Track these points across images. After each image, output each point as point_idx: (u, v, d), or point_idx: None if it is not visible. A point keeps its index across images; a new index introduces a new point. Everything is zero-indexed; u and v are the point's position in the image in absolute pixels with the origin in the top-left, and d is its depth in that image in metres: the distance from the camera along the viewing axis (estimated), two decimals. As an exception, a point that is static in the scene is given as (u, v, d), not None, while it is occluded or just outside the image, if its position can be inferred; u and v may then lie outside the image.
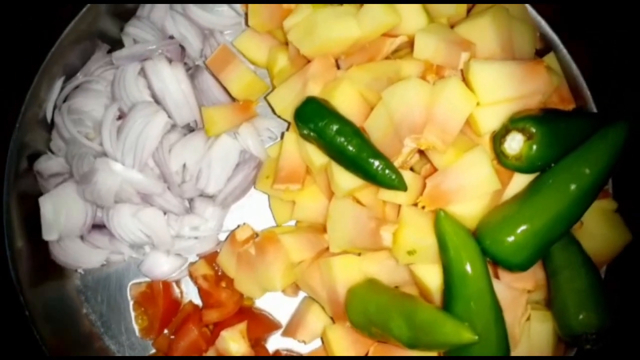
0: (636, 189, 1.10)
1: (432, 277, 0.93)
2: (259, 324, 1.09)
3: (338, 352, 1.01)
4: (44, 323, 1.05)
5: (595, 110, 1.10)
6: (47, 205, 1.05)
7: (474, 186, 0.90)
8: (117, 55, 1.10)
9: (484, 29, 0.95)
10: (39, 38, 1.19)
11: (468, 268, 0.87)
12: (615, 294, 0.99)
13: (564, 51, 1.11)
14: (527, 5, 1.10)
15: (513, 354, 0.93)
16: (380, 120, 0.95)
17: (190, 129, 1.15)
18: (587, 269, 0.94)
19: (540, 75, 0.91)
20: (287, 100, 1.07)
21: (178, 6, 1.17)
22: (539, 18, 1.11)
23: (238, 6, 1.18)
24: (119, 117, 1.10)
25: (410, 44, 1.01)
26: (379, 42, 1.02)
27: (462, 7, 1.07)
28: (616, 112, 1.11)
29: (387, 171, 0.93)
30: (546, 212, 0.86)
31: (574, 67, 1.10)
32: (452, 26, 1.05)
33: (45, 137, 1.11)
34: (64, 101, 1.10)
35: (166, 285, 1.11)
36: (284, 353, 1.11)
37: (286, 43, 1.09)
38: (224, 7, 1.20)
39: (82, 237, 1.10)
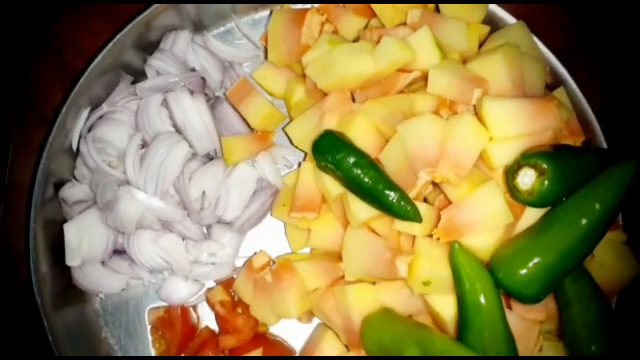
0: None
1: (446, 308, 0.95)
2: (274, 351, 1.11)
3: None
4: (65, 347, 1.08)
5: (604, 142, 1.12)
6: (72, 232, 1.08)
7: (487, 219, 0.92)
8: (141, 87, 1.14)
9: (496, 67, 0.99)
10: (67, 70, 1.25)
11: (482, 299, 0.89)
12: (626, 326, 1.01)
13: (574, 85, 1.14)
14: (537, 41, 1.14)
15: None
16: (396, 153, 0.99)
17: (210, 157, 1.19)
18: (598, 301, 0.96)
19: (551, 112, 0.94)
20: (304, 131, 1.10)
21: (199, 40, 1.22)
22: (549, 53, 1.14)
23: (257, 40, 1.23)
24: (142, 147, 1.13)
25: (424, 77, 1.05)
26: (394, 78, 1.06)
27: (475, 43, 1.11)
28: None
29: (402, 203, 0.95)
30: (558, 246, 0.89)
31: (583, 101, 1.13)
32: (464, 62, 1.09)
33: (70, 166, 1.15)
34: (89, 131, 1.14)
35: (184, 310, 1.14)
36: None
37: (303, 75, 1.13)
38: (243, 41, 1.25)
39: (103, 263, 1.13)
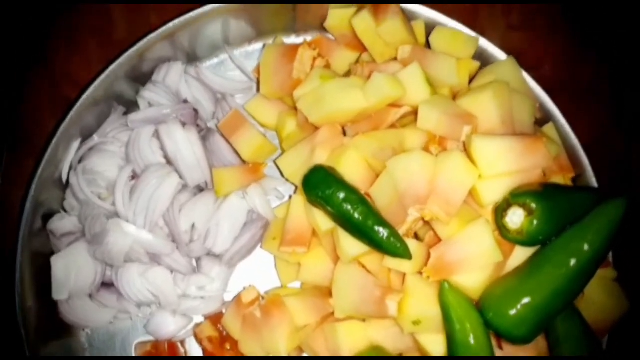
0: (635, 257, 1.13)
1: (436, 346, 0.94)
2: (263, 387, 1.09)
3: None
4: (49, 382, 1.06)
5: (594, 177, 1.13)
6: (59, 265, 1.07)
7: (476, 258, 0.92)
8: (133, 119, 1.14)
9: (485, 104, 0.99)
10: (59, 99, 1.25)
11: (471, 339, 0.89)
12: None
13: (563, 121, 1.14)
14: (527, 77, 1.15)
15: None
16: (385, 189, 0.99)
17: (200, 188, 1.18)
18: (589, 340, 0.95)
19: (539, 150, 0.94)
20: (295, 165, 1.10)
21: (192, 71, 1.23)
22: (538, 89, 1.15)
23: (249, 71, 1.24)
24: (132, 178, 1.13)
25: (415, 111, 1.05)
26: (384, 112, 1.06)
27: (465, 78, 1.12)
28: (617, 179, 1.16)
29: (392, 239, 0.95)
30: (547, 287, 0.88)
31: (572, 136, 1.13)
32: (454, 96, 1.10)
33: (59, 197, 1.14)
34: (79, 162, 1.13)
35: (171, 345, 1.12)
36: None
37: (295, 108, 1.13)
38: (236, 72, 1.25)
39: (90, 296, 1.12)
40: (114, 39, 1.28)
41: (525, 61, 1.16)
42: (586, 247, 0.88)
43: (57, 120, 1.13)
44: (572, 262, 0.88)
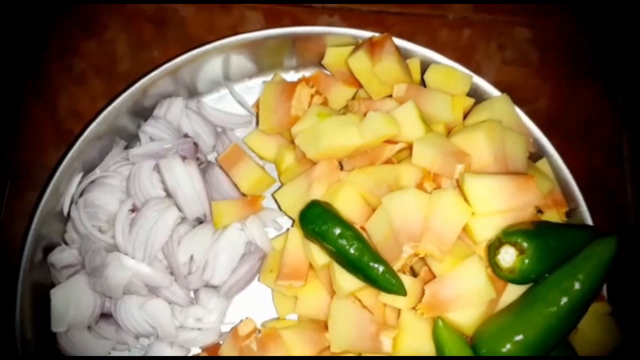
0: (630, 289, 1.13)
1: (430, 383, 0.95)
2: (259, 420, 1.09)
3: None
4: (46, 416, 1.06)
5: (587, 212, 1.14)
6: (58, 298, 1.08)
7: (470, 295, 0.93)
8: (134, 153, 1.16)
9: (478, 143, 1.01)
10: (62, 132, 1.28)
11: (465, 377, 0.89)
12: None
13: (556, 156, 1.16)
14: (520, 113, 1.17)
15: None
16: (380, 225, 1.00)
17: (199, 221, 1.20)
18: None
19: (531, 189, 0.96)
20: (293, 198, 1.12)
21: (193, 105, 1.26)
22: (532, 125, 1.17)
23: (249, 106, 1.27)
24: (132, 211, 1.15)
25: (410, 146, 1.08)
26: (380, 148, 1.08)
27: (459, 114, 1.14)
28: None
29: (387, 276, 0.96)
30: (539, 324, 0.89)
31: (566, 171, 1.15)
32: (449, 131, 1.12)
33: (60, 229, 1.16)
34: (81, 195, 1.15)
35: (168, 377, 1.12)
36: None
37: (293, 142, 1.16)
38: (236, 107, 1.28)
39: (89, 328, 1.13)
40: (117, 74, 1.32)
41: (519, 96, 1.18)
42: (577, 285, 0.89)
43: (60, 153, 1.15)
44: (564, 300, 0.89)
